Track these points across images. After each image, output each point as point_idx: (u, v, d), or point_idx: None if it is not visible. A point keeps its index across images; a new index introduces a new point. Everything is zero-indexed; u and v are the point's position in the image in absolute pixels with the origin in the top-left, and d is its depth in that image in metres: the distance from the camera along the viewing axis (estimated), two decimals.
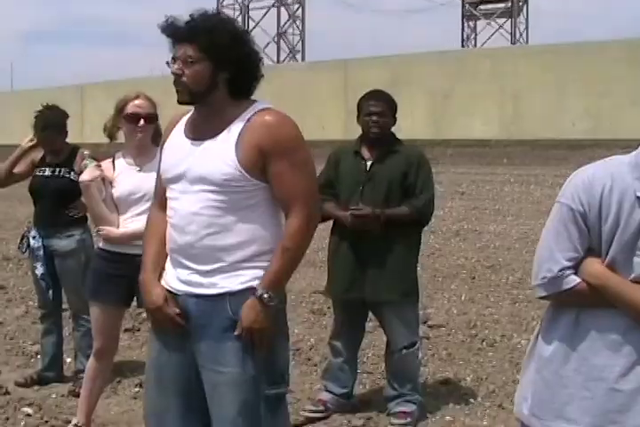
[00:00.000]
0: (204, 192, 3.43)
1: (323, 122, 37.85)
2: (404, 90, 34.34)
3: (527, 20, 66.24)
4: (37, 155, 6.59)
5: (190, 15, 3.46)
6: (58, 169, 6.45)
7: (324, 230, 5.95)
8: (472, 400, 6.20)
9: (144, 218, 3.98)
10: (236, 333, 3.41)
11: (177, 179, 3.52)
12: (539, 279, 2.94)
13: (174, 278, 3.57)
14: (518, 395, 3.15)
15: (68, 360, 6.98)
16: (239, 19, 61.47)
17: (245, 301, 3.41)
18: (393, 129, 5.87)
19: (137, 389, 6.29)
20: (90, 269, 5.41)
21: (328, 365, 6.08)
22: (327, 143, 21.16)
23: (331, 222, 5.75)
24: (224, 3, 63.91)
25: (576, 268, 2.89)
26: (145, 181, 4.77)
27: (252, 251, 3.45)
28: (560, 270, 2.88)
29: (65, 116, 6.59)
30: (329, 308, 7.33)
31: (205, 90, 3.45)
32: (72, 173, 6.34)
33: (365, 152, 5.76)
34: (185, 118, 3.66)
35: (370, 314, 6.02)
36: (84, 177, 5.16)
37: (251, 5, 65.21)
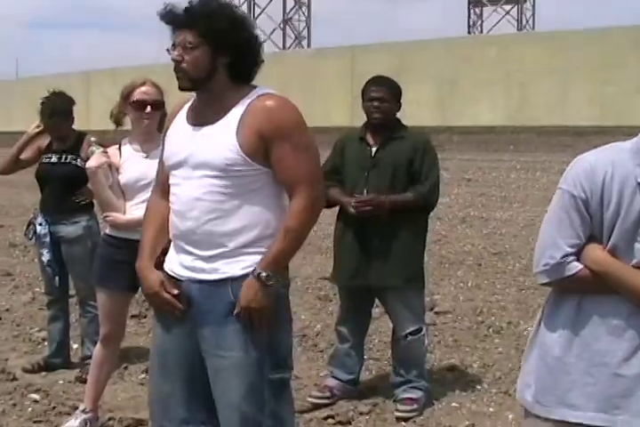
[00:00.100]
0: (205, 178, 3.44)
1: (329, 108, 37.79)
2: (411, 76, 34.25)
3: (534, 6, 66.22)
4: (44, 141, 6.60)
5: (189, 1, 3.47)
6: (64, 155, 6.45)
7: (330, 217, 5.96)
8: (478, 387, 6.21)
9: None
10: (234, 312, 3.42)
11: (179, 165, 3.54)
12: (541, 266, 2.94)
13: (177, 264, 3.58)
14: (521, 382, 3.16)
15: (75, 346, 7.00)
16: (245, 5, 61.41)
17: None
18: (398, 115, 5.86)
19: (144, 375, 6.30)
20: (96, 255, 5.41)
21: (334, 351, 6.09)
22: (333, 130, 21.14)
23: (337, 209, 5.75)
24: None
25: (578, 254, 2.89)
26: (151, 168, 4.75)
27: (253, 236, 3.46)
28: (563, 257, 2.88)
29: (71, 102, 6.59)
30: (335, 294, 7.33)
31: (205, 75, 3.46)
32: (79, 159, 6.35)
33: (370, 138, 5.76)
34: (187, 105, 3.67)
35: (376, 300, 6.02)
36: (91, 163, 5.16)
37: None
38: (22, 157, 6.62)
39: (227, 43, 3.43)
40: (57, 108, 6.43)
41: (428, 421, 5.58)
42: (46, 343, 7.04)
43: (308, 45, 62.15)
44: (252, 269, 3.43)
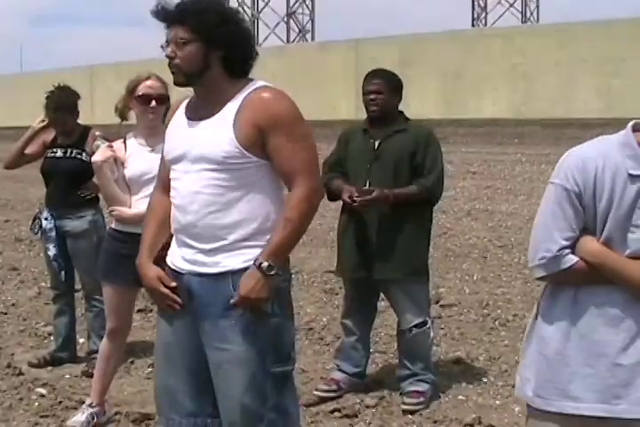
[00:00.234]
0: (204, 171, 3.48)
1: (333, 102, 37.75)
2: (415, 69, 34.25)
3: None
4: (49, 136, 6.60)
5: None
6: (69, 150, 6.46)
7: (335, 211, 5.97)
8: (485, 380, 6.22)
9: None
10: (231, 301, 3.44)
11: (178, 159, 3.58)
12: (537, 260, 2.98)
13: (179, 258, 3.62)
14: (519, 377, 3.20)
15: (82, 341, 7.01)
16: None
17: None
18: (402, 108, 5.85)
19: (150, 369, 6.31)
20: (102, 249, 5.42)
21: (340, 344, 6.09)
22: (338, 123, 21.12)
23: (341, 202, 5.75)
24: None
25: (573, 247, 2.93)
26: (156, 162, 4.74)
27: (253, 229, 3.49)
28: (559, 250, 2.92)
29: (76, 96, 6.59)
30: (341, 287, 7.33)
31: (199, 70, 3.50)
32: (84, 153, 6.35)
33: (373, 131, 5.75)
34: (186, 101, 3.72)
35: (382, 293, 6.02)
36: (97, 157, 5.16)
37: None
38: (27, 151, 6.63)
39: (219, 37, 3.47)
40: (62, 103, 6.44)
41: (434, 414, 5.58)
42: (52, 338, 7.05)
43: (312, 39, 62.03)
44: (252, 262, 3.45)
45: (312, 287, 9.26)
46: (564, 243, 2.92)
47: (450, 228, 13.17)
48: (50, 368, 6.59)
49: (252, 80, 3.58)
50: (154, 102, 5.04)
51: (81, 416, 5.33)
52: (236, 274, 3.47)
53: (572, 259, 2.91)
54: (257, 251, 3.47)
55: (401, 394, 5.79)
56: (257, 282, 3.41)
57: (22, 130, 7.04)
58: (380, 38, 40.36)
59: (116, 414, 5.58)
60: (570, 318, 2.96)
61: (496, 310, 8.20)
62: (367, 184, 5.58)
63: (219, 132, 3.45)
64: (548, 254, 2.93)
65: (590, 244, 2.91)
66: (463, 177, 19.80)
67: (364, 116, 5.91)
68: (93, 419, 5.34)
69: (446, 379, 6.18)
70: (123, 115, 5.20)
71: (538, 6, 66.24)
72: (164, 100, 5.07)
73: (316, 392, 5.85)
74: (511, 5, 65.42)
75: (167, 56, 3.51)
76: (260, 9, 62.95)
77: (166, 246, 3.73)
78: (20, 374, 6.43)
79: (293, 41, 62.19)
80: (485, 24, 64.61)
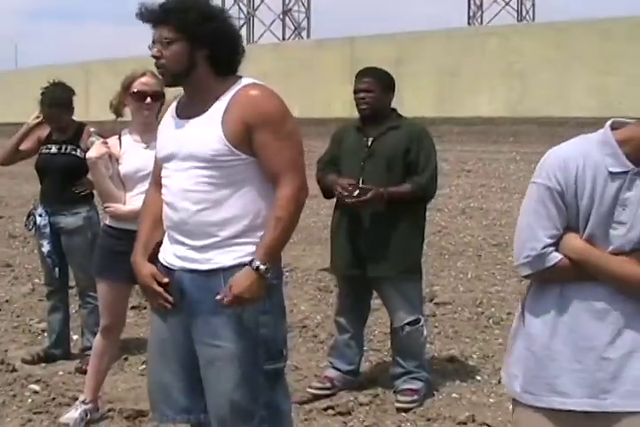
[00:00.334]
0: (194, 169, 3.50)
1: (329, 99, 37.73)
2: (411, 67, 34.29)
3: None
4: (43, 132, 6.59)
5: None
6: (64, 146, 6.45)
7: (330, 208, 5.96)
8: (479, 378, 6.22)
9: None
10: (217, 297, 3.44)
11: (169, 158, 3.61)
12: (522, 258, 3.04)
13: (171, 254, 3.64)
14: (506, 374, 3.23)
15: (75, 337, 7.01)
16: None
17: None
18: (397, 106, 5.85)
19: (144, 366, 6.30)
20: (96, 246, 5.41)
21: (334, 342, 6.09)
22: (333, 121, 21.13)
23: (335, 199, 5.76)
24: None
25: (557, 245, 2.98)
26: (151, 159, 4.74)
27: (244, 225, 3.51)
28: (543, 248, 2.97)
29: (71, 92, 6.59)
30: (335, 285, 7.34)
31: (185, 69, 3.52)
32: (78, 150, 6.34)
33: (366, 129, 5.75)
34: (177, 99, 3.75)
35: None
36: (91, 154, 5.16)
37: None
38: (22, 147, 6.61)
39: (203, 36, 3.48)
40: (57, 99, 6.43)
41: (428, 411, 5.58)
42: (46, 334, 7.04)
43: (308, 36, 62.06)
44: (243, 259, 3.47)
45: (306, 285, 9.26)
46: (548, 241, 2.97)
47: (444, 226, 13.17)
48: (43, 365, 6.58)
49: (240, 78, 3.59)
50: (149, 99, 5.03)
51: (74, 413, 5.33)
52: (228, 271, 3.49)
53: (556, 256, 2.96)
54: (248, 248, 3.49)
55: (395, 392, 5.79)
56: (252, 283, 3.43)
57: (17, 126, 7.04)
58: (375, 36, 40.40)
59: (110, 410, 5.57)
60: (556, 314, 3.01)
61: (490, 308, 8.20)
62: (361, 181, 5.57)
63: (207, 131, 3.47)
64: (533, 253, 2.98)
65: (573, 241, 2.96)
66: (458, 175, 19.81)
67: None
68: (87, 416, 5.33)
69: (440, 377, 6.18)
70: (118, 111, 5.19)
71: (533, 5, 66.34)
72: (159, 96, 5.06)
73: (309, 390, 5.84)
74: (507, 4, 65.49)
75: (153, 56, 3.54)
76: (255, 6, 63.00)
77: (160, 244, 3.75)
78: (14, 370, 6.42)
79: (289, 38, 62.22)
80: (481, 22, 64.65)
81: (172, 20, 3.46)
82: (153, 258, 3.73)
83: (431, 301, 8.27)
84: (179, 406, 3.69)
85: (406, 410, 5.59)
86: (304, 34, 63.81)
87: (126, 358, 6.64)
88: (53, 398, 5.81)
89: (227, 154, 3.44)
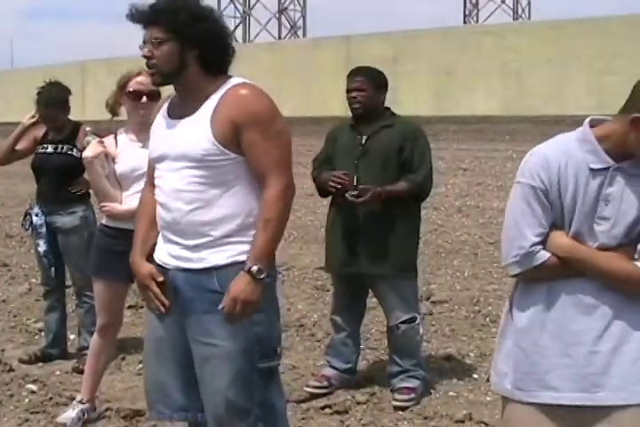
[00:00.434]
0: (185, 169, 3.52)
1: (325, 98, 37.68)
2: (407, 66, 34.29)
3: None
4: (39, 131, 6.58)
5: None
6: (60, 146, 6.45)
7: (326, 207, 5.97)
8: (475, 376, 6.22)
9: None
10: (219, 307, 3.47)
11: (161, 158, 3.63)
12: (511, 257, 3.07)
13: (165, 253, 3.66)
14: (495, 372, 3.25)
15: (72, 337, 7.01)
16: None
17: (232, 275, 3.48)
18: (392, 104, 5.85)
19: (141, 365, 6.27)
20: (93, 245, 5.41)
21: (331, 341, 6.09)
22: (329, 119, 21.11)
23: (331, 197, 5.76)
24: None
25: (544, 244, 3.02)
26: (147, 158, 4.77)
27: (236, 224, 3.52)
28: (531, 246, 3.01)
29: (67, 92, 6.58)
30: (332, 284, 7.34)
31: (176, 69, 3.54)
32: (74, 149, 6.34)
33: (360, 127, 5.75)
34: (169, 99, 3.77)
35: None
36: (87, 153, 5.15)
37: None
38: (18, 147, 6.61)
39: (193, 36, 3.50)
40: (53, 98, 6.42)
41: (425, 410, 5.58)
42: (43, 334, 7.03)
43: (304, 35, 62.00)
44: (236, 258, 3.50)
45: (303, 284, 9.27)
46: (536, 239, 3.00)
47: (441, 224, 13.17)
48: (40, 364, 6.58)
49: (230, 77, 3.60)
50: (145, 98, 5.03)
51: (71, 413, 5.33)
52: (221, 270, 3.51)
53: (544, 255, 3.00)
54: (241, 247, 3.51)
55: (392, 390, 5.79)
56: (247, 285, 3.45)
57: (13, 126, 7.03)
58: (371, 35, 40.37)
59: (107, 410, 5.57)
60: (545, 310, 3.04)
61: (487, 306, 8.21)
62: (355, 180, 5.57)
63: (197, 131, 3.48)
64: (522, 251, 3.02)
65: (560, 239, 3.00)
66: (454, 174, 19.82)
67: None
68: (84, 415, 5.33)
69: (437, 375, 6.18)
70: (114, 110, 5.19)
71: (529, 3, 66.35)
72: (154, 95, 5.05)
73: (306, 389, 5.85)
74: (503, 2, 65.46)
75: (144, 56, 3.56)
76: (251, 5, 62.94)
77: (156, 243, 3.76)
78: (11, 370, 6.41)
79: (285, 37, 62.16)
80: (477, 21, 64.63)
81: (162, 21, 3.48)
82: (149, 258, 3.75)
83: (428, 299, 8.28)
84: (176, 405, 3.70)
85: (403, 408, 5.59)
86: (300, 33, 63.76)
87: (123, 358, 6.64)
88: (50, 398, 5.81)
89: (216, 154, 3.45)
